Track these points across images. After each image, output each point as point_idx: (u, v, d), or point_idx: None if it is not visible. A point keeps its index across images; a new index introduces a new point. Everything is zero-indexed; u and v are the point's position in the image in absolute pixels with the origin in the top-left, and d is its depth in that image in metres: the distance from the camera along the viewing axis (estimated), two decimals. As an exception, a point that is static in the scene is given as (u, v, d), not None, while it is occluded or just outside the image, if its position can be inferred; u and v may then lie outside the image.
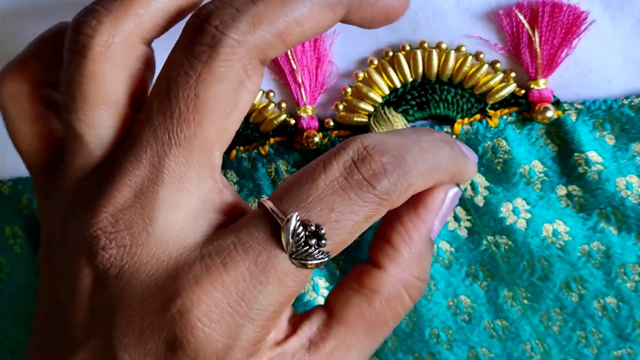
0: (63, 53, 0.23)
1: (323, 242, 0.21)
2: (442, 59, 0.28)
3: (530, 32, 0.27)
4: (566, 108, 0.28)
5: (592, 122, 0.28)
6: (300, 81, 0.28)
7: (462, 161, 0.25)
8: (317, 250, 0.21)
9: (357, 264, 0.26)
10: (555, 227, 0.29)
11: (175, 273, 0.21)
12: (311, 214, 0.21)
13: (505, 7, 0.28)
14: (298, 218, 0.20)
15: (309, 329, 0.24)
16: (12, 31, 0.31)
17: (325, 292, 0.31)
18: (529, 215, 0.29)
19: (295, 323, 0.24)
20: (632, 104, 0.28)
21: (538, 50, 0.27)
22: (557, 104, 0.28)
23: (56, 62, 0.23)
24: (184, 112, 0.21)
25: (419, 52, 0.28)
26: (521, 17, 0.27)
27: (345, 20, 0.23)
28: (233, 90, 0.21)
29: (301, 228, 0.20)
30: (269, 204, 0.21)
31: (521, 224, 0.29)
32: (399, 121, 0.28)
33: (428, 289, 0.30)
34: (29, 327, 0.35)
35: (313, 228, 0.20)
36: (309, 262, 0.21)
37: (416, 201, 0.25)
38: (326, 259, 0.21)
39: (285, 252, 0.21)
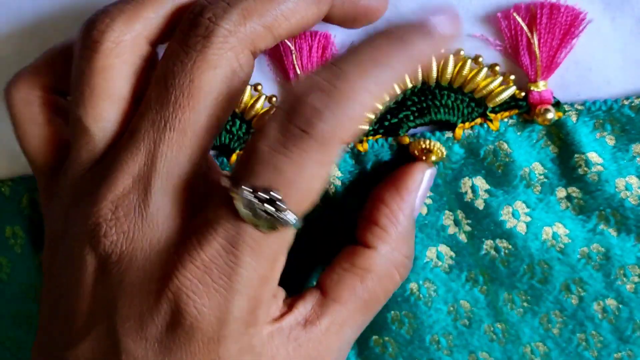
0: (74, 56, 0.24)
1: (281, 205, 0.20)
2: (441, 63, 0.27)
3: (529, 34, 0.26)
4: (566, 109, 0.28)
5: (592, 122, 0.28)
6: None
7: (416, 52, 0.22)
8: (280, 213, 0.21)
9: (346, 246, 0.27)
10: (555, 230, 0.29)
11: (166, 256, 0.22)
12: (260, 180, 0.20)
13: (503, 9, 0.28)
14: (248, 188, 0.20)
15: (304, 307, 0.25)
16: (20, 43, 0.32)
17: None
18: (528, 219, 0.29)
19: (291, 303, 0.25)
20: (633, 104, 0.28)
21: (537, 52, 0.26)
22: (557, 105, 0.28)
23: (66, 70, 0.25)
24: (179, 98, 0.22)
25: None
26: (519, 19, 0.26)
27: (328, 18, 0.24)
28: (226, 78, 0.22)
29: (253, 197, 0.20)
30: (223, 181, 0.21)
31: (521, 228, 0.29)
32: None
33: (428, 295, 0.30)
34: (29, 327, 0.35)
35: (264, 195, 0.20)
36: (279, 227, 0.21)
37: (398, 183, 0.27)
38: (295, 219, 0.21)
39: (247, 223, 0.21)
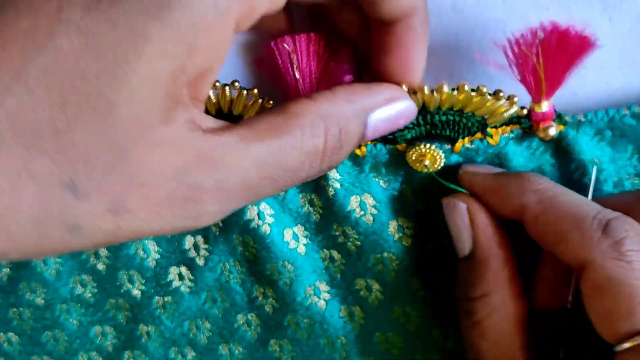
0: None
1: None
2: (444, 96, 0.27)
3: (536, 64, 0.26)
4: (567, 121, 0.28)
5: (592, 131, 0.28)
6: (299, 89, 0.27)
7: None
8: None
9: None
10: None
11: None
12: None
13: (510, 33, 0.26)
14: None
15: (214, 121, 0.22)
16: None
17: (327, 296, 0.31)
18: None
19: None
20: (634, 113, 0.28)
21: (543, 78, 0.26)
22: (559, 117, 0.28)
23: None
24: None
25: (417, 96, 0.26)
26: (528, 53, 0.25)
27: None
28: None
29: None
30: None
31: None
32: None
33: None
34: None
35: None
36: None
37: (373, 87, 0.26)
38: None
39: None
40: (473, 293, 0.27)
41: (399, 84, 0.26)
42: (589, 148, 0.28)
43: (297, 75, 0.26)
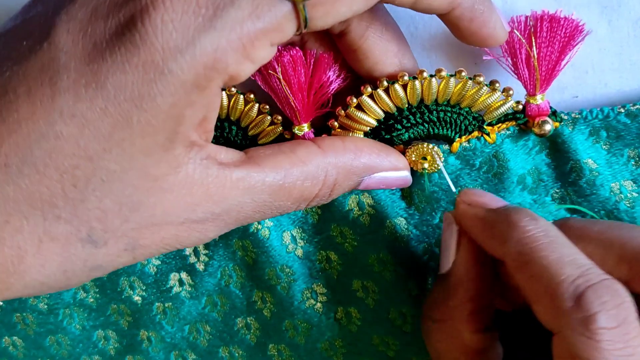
0: None
1: None
2: (442, 85, 0.27)
3: (529, 49, 0.26)
4: (563, 118, 0.28)
5: (588, 130, 0.28)
6: (292, 104, 0.27)
7: None
8: None
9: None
10: None
11: None
12: None
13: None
14: None
15: (226, 152, 0.24)
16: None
17: (324, 298, 0.32)
18: None
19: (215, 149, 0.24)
20: (629, 112, 0.28)
21: (536, 66, 0.26)
22: (554, 114, 0.28)
23: None
24: None
25: (417, 82, 0.27)
26: (520, 36, 0.26)
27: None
28: None
29: None
30: None
31: None
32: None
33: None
34: None
35: None
36: None
37: (377, 147, 0.27)
38: None
39: None
40: (434, 315, 0.27)
41: (392, 74, 0.27)
42: (584, 148, 0.28)
43: (287, 91, 0.27)
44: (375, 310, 0.31)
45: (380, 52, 0.26)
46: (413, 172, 0.29)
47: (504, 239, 0.24)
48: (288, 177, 0.25)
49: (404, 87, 0.27)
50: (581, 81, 0.29)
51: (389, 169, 0.27)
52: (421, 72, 0.26)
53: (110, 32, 0.20)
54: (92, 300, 0.33)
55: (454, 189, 0.28)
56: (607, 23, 0.29)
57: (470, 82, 0.27)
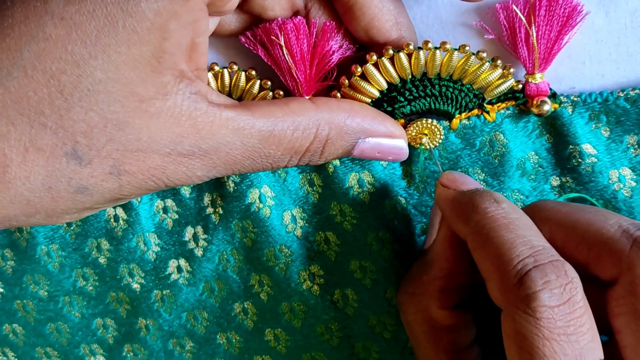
0: None
1: None
2: (446, 58, 0.27)
3: (528, 27, 0.26)
4: (562, 100, 0.28)
5: (587, 114, 0.29)
6: (295, 75, 0.27)
7: None
8: None
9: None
10: None
11: None
12: None
13: (502, 1, 0.28)
14: None
15: (218, 95, 0.25)
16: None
17: (321, 280, 0.32)
18: (520, 205, 0.30)
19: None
20: (628, 96, 0.28)
21: (535, 44, 0.27)
22: (553, 96, 0.28)
23: None
24: None
25: (422, 52, 0.27)
26: (518, 12, 0.26)
27: None
28: None
29: None
30: None
31: None
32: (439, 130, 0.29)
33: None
34: None
35: None
36: None
37: (374, 114, 0.27)
38: None
39: None
40: (409, 288, 0.28)
41: (396, 42, 0.27)
42: (584, 133, 0.29)
43: (290, 61, 0.27)
44: (373, 290, 0.31)
45: (377, 7, 0.27)
46: (413, 151, 0.29)
47: (466, 219, 0.24)
48: (278, 125, 0.25)
49: (409, 56, 0.27)
50: (578, 72, 0.30)
51: (384, 134, 0.27)
52: (426, 42, 0.27)
53: None
54: (91, 288, 0.33)
55: (441, 170, 0.29)
56: (605, 14, 0.29)
57: (473, 57, 0.27)
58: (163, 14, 0.22)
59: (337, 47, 0.28)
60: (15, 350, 0.35)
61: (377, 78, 0.28)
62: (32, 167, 0.22)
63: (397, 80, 0.28)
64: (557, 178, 0.30)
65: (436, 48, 0.27)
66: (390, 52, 0.27)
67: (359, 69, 0.28)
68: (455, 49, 0.27)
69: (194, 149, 0.24)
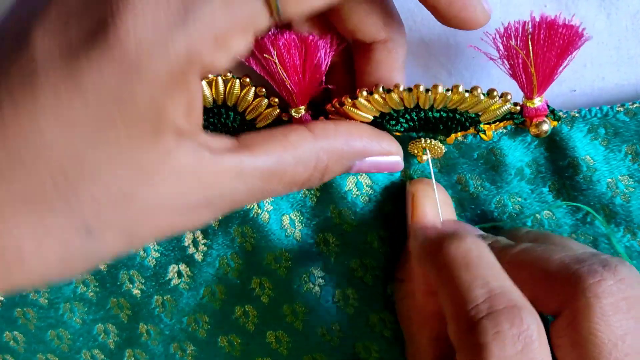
0: None
1: None
2: (438, 98, 0.26)
3: (525, 58, 0.25)
4: (561, 116, 0.28)
5: (586, 128, 0.28)
6: (289, 87, 0.27)
7: None
8: None
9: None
10: (543, 216, 0.30)
11: None
12: None
13: (501, 24, 0.26)
14: None
15: (220, 140, 0.24)
16: None
17: (321, 281, 0.32)
18: (518, 207, 0.30)
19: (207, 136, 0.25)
20: (628, 110, 0.28)
21: (533, 72, 0.26)
22: (552, 113, 0.28)
23: None
24: None
25: (412, 95, 0.26)
26: (514, 45, 0.25)
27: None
28: None
29: None
30: None
31: (510, 217, 0.30)
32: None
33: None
34: None
35: None
36: None
37: (369, 131, 0.27)
38: None
39: None
40: (399, 274, 0.30)
41: (382, 43, 0.27)
42: (582, 145, 0.28)
43: (284, 75, 0.27)
44: (374, 287, 0.32)
45: (364, 10, 0.26)
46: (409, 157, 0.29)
47: (431, 262, 0.24)
48: (280, 163, 0.25)
49: (399, 96, 0.26)
50: (579, 75, 0.29)
51: (381, 153, 0.27)
52: (417, 86, 0.26)
53: (83, 33, 0.20)
54: (92, 294, 0.33)
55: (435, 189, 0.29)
56: (606, 17, 0.28)
57: (467, 94, 0.26)
58: (159, 100, 0.21)
59: (325, 57, 0.27)
60: (16, 357, 0.35)
61: (370, 108, 0.27)
62: (47, 253, 0.22)
63: (389, 110, 0.27)
64: (556, 182, 0.30)
65: (427, 90, 0.26)
66: (381, 90, 0.26)
67: (350, 101, 0.27)
68: (448, 90, 0.26)
69: (200, 201, 0.24)
